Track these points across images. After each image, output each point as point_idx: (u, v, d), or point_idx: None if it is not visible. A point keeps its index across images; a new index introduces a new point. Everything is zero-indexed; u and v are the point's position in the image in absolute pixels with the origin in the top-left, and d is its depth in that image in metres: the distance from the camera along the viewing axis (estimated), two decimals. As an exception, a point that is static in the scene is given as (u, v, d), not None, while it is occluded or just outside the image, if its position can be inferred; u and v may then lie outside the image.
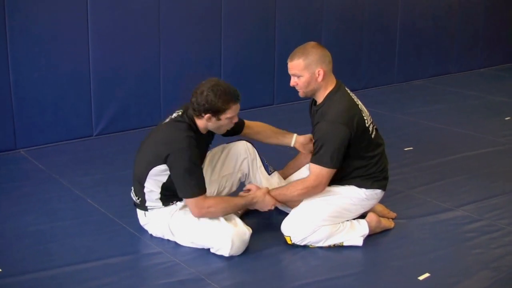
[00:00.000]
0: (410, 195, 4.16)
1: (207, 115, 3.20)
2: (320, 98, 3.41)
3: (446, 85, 7.83)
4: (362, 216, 3.55)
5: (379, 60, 7.51)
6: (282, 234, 3.42)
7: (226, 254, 3.25)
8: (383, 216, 3.69)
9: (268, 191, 3.43)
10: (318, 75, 3.32)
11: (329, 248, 3.39)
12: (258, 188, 3.50)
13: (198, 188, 3.20)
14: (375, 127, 3.52)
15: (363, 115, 3.39)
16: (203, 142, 3.41)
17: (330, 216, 3.38)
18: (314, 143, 3.38)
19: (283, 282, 3.13)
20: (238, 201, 3.39)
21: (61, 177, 4.37)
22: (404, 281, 3.10)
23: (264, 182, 3.61)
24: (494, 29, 8.93)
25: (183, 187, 3.21)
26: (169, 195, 3.34)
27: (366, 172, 3.45)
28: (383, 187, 3.53)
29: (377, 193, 3.51)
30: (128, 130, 5.47)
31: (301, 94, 3.43)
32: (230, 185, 3.64)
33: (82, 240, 3.47)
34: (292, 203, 3.52)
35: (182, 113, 3.33)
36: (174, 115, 3.37)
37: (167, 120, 3.38)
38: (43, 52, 4.90)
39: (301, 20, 6.60)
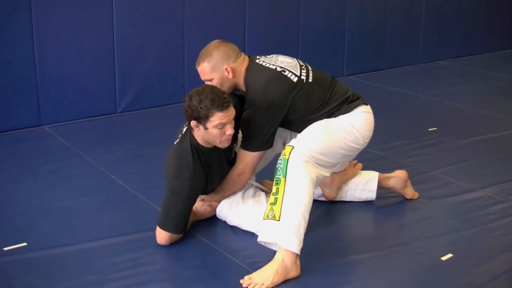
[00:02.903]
0: (433, 175, 4.14)
1: (193, 123, 3.02)
2: (243, 88, 3.28)
3: (470, 65, 7.74)
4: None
5: (403, 40, 7.43)
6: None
7: None
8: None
9: (203, 199, 3.40)
10: (228, 72, 3.20)
11: (348, 228, 3.39)
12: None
13: (171, 226, 3.15)
14: (310, 70, 3.31)
15: (286, 73, 3.21)
16: (214, 157, 3.22)
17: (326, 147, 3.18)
18: (242, 130, 3.27)
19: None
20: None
21: (85, 153, 4.41)
22: (426, 261, 3.10)
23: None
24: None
25: (162, 215, 3.18)
26: None
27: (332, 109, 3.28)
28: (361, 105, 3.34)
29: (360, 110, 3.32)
30: (152, 108, 5.50)
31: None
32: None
33: (105, 216, 3.51)
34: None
35: (186, 129, 3.20)
36: (179, 134, 3.23)
37: (176, 140, 3.23)
38: (67, 29, 4.92)
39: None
